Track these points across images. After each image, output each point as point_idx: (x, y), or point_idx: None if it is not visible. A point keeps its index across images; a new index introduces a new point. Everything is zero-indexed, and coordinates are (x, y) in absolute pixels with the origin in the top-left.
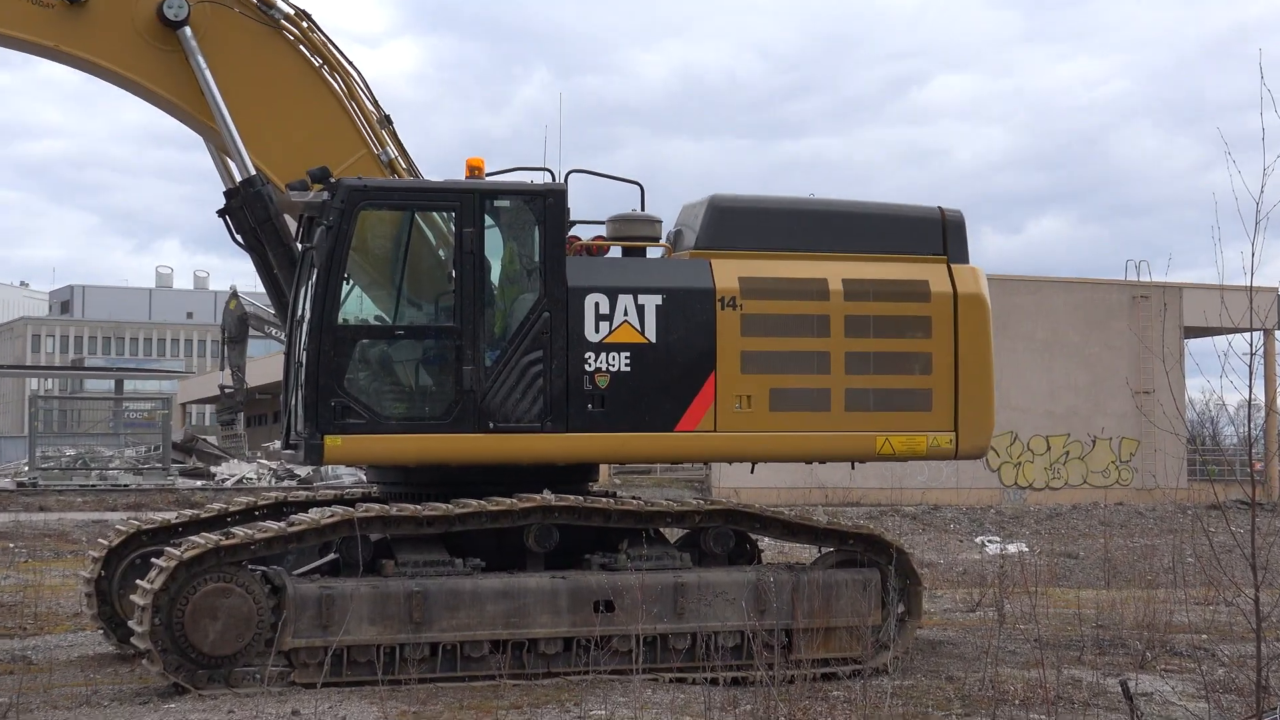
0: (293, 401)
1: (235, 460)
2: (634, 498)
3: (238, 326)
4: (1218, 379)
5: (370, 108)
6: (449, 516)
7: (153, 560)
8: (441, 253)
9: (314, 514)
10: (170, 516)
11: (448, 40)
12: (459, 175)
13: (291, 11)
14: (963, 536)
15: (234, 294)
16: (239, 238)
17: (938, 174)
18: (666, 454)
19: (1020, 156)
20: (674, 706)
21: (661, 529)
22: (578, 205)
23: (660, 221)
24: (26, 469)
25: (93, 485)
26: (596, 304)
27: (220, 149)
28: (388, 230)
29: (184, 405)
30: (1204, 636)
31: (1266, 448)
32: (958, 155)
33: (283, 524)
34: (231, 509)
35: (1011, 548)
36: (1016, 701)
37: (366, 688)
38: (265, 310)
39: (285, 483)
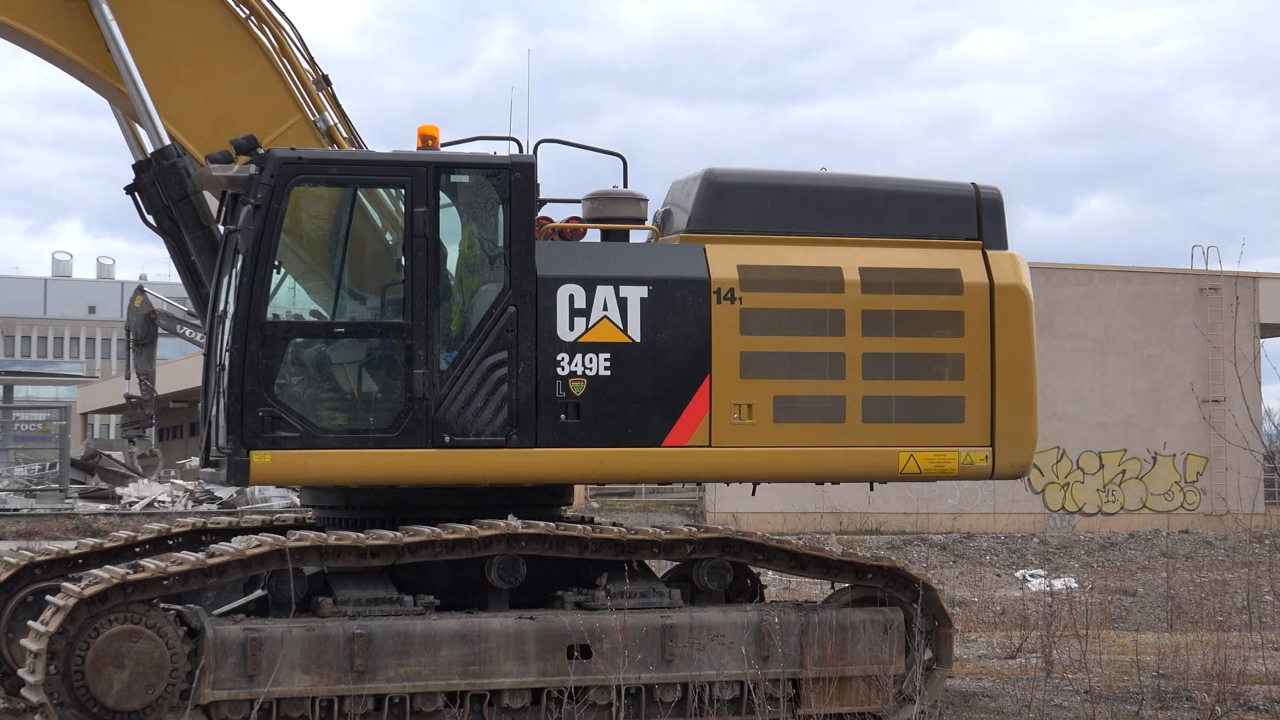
0: (213, 411)
1: (145, 480)
2: (615, 524)
3: (145, 327)
4: None
5: (305, 66)
6: (397, 546)
7: (47, 598)
8: (389, 236)
9: (238, 543)
10: (68, 546)
11: None
12: (410, 146)
13: None
14: (1001, 570)
15: (140, 289)
16: (150, 218)
17: (971, 145)
18: (653, 473)
19: (1067, 125)
20: None
21: (647, 561)
22: (549, 181)
23: (646, 200)
24: None
25: None
26: (571, 297)
27: (129, 114)
28: (325, 210)
29: (84, 415)
30: None
31: None
32: (994, 123)
33: (201, 555)
34: (141, 538)
35: (1058, 583)
36: None
37: None
38: (178, 307)
39: (204, 506)
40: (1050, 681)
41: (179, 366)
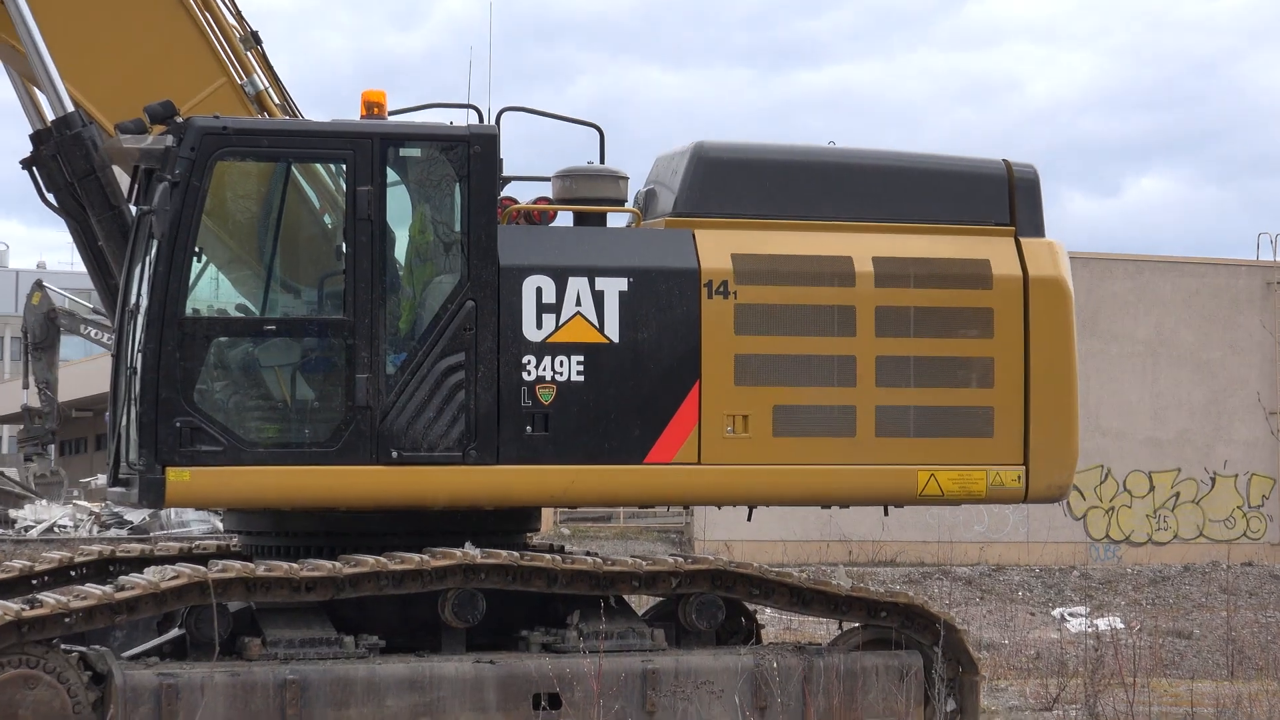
0: (123, 422)
1: (44, 501)
2: (588, 553)
3: (45, 328)
4: None
5: (231, 21)
6: (336, 579)
7: None
8: (328, 219)
9: (151, 575)
10: None
11: None
12: (353, 114)
13: None
14: (1035, 608)
15: (39, 284)
16: (50, 197)
17: (1004, 116)
18: (633, 494)
19: (1115, 93)
20: None
21: (626, 596)
22: (514, 156)
23: (626, 178)
24: None
25: None
26: (539, 290)
27: (26, 76)
28: (254, 188)
29: None
30: None
31: None
32: (1031, 90)
33: (109, 588)
34: (39, 568)
35: (1102, 623)
36: None
37: None
38: (82, 304)
39: (112, 532)
40: None
41: (83, 369)
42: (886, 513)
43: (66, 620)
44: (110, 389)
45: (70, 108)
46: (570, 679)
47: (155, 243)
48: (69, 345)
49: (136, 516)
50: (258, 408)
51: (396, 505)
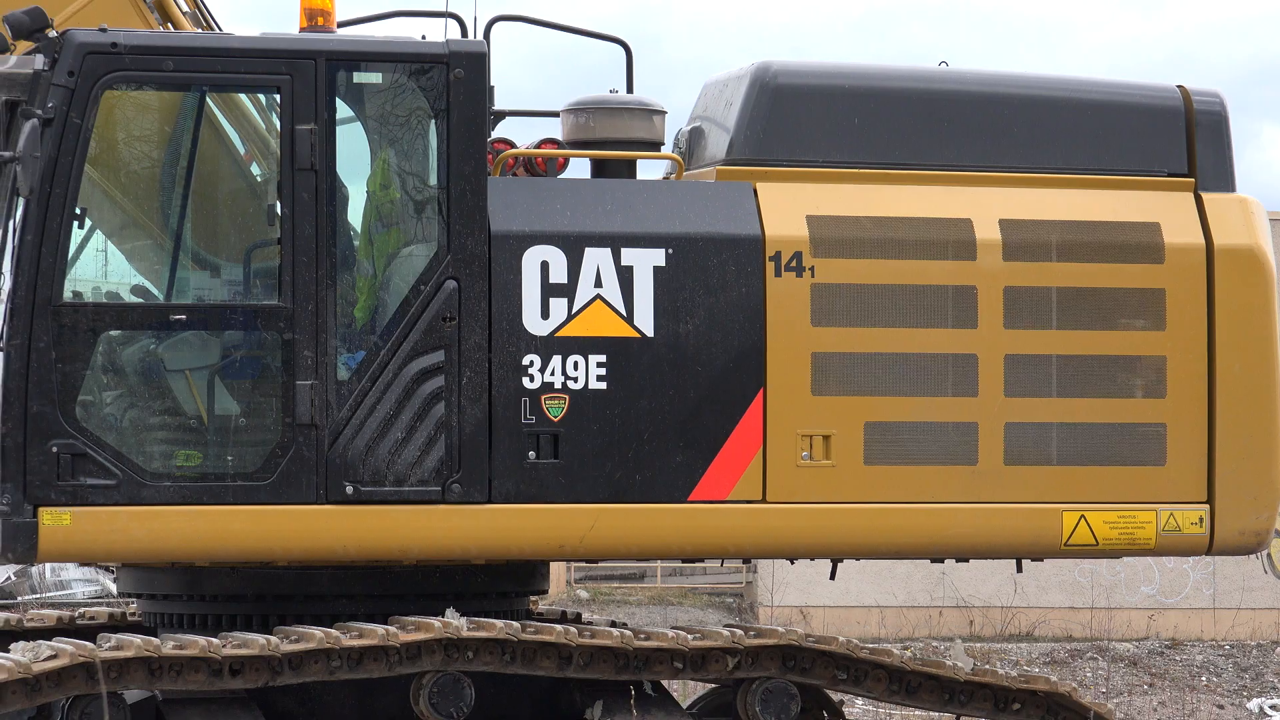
0: None
1: None
2: (613, 624)
3: None
4: None
5: None
6: (271, 659)
7: None
8: (256, 170)
9: (21, 654)
10: None
11: None
12: (291, 27)
13: None
14: (1225, 697)
15: None
16: None
17: (1179, 29)
18: (674, 543)
19: None
20: None
21: (665, 682)
22: (510, 83)
23: (663, 113)
24: None
25: None
26: (544, 265)
27: None
28: (156, 127)
29: None
30: None
31: None
32: None
33: None
34: None
35: None
36: None
37: None
38: None
39: None
40: None
41: None
42: (1020, 568)
43: None
44: None
45: None
46: None
47: (21, 201)
48: None
49: None
50: (163, 427)
51: (353, 559)
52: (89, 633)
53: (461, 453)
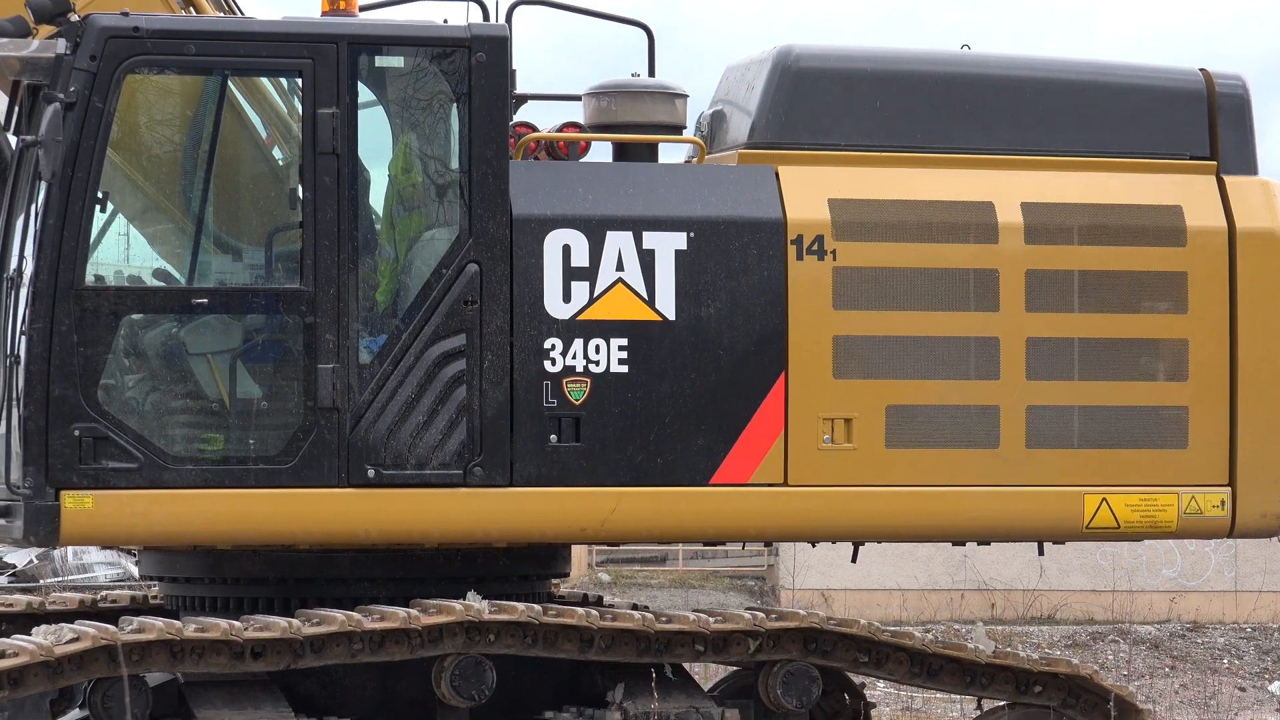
0: (1, 429)
1: None
2: (635, 607)
3: None
4: None
5: None
6: (292, 642)
7: None
8: (278, 154)
9: (43, 637)
10: None
11: None
12: (313, 11)
13: None
14: (1248, 680)
15: None
16: None
17: (1202, 12)
18: (696, 526)
19: None
20: None
21: (687, 665)
22: (532, 67)
23: (685, 97)
24: None
25: None
26: (566, 249)
27: None
28: (178, 111)
29: None
30: None
31: None
32: None
33: None
34: None
35: None
36: None
37: None
38: None
39: None
40: None
41: None
42: (1042, 551)
43: None
44: None
45: None
46: None
47: (44, 185)
48: None
49: (20, 558)
50: (185, 410)
51: (374, 542)
52: (111, 616)
53: (483, 436)
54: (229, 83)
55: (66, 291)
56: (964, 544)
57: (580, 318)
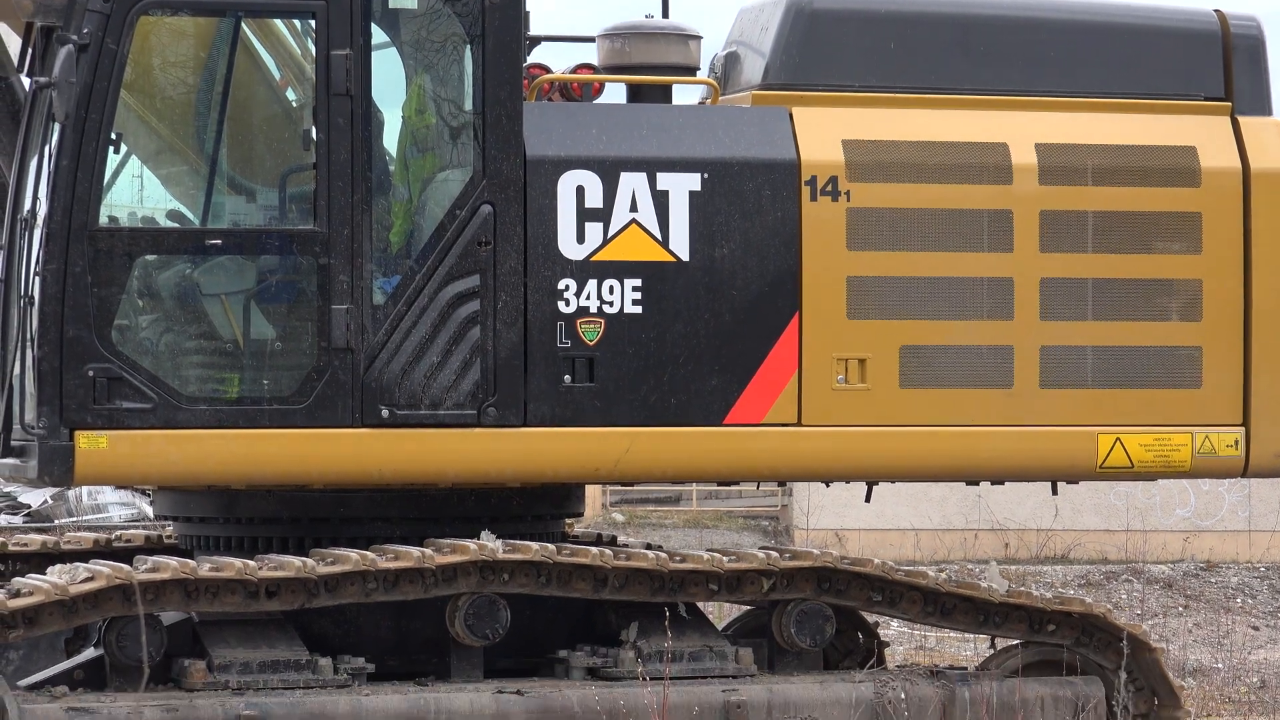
0: (16, 370)
1: None
2: (649, 547)
3: None
4: None
5: None
6: (307, 581)
7: None
8: (291, 96)
9: (57, 576)
10: None
11: None
12: None
13: None
14: (1260, 620)
15: None
16: None
17: None
18: (709, 466)
19: None
20: None
21: (701, 604)
22: (546, 8)
23: (698, 38)
24: None
25: None
26: (580, 190)
27: None
28: (191, 53)
29: None
30: None
31: None
32: None
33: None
34: None
35: None
36: None
37: None
38: None
39: (2, 519)
40: None
41: None
42: (1055, 491)
43: None
44: None
45: None
46: (625, 715)
47: (57, 127)
48: None
49: (35, 498)
50: (199, 351)
51: (388, 482)
52: (125, 555)
53: (497, 376)
54: (242, 24)
55: (80, 232)
56: (978, 484)
57: (594, 259)
